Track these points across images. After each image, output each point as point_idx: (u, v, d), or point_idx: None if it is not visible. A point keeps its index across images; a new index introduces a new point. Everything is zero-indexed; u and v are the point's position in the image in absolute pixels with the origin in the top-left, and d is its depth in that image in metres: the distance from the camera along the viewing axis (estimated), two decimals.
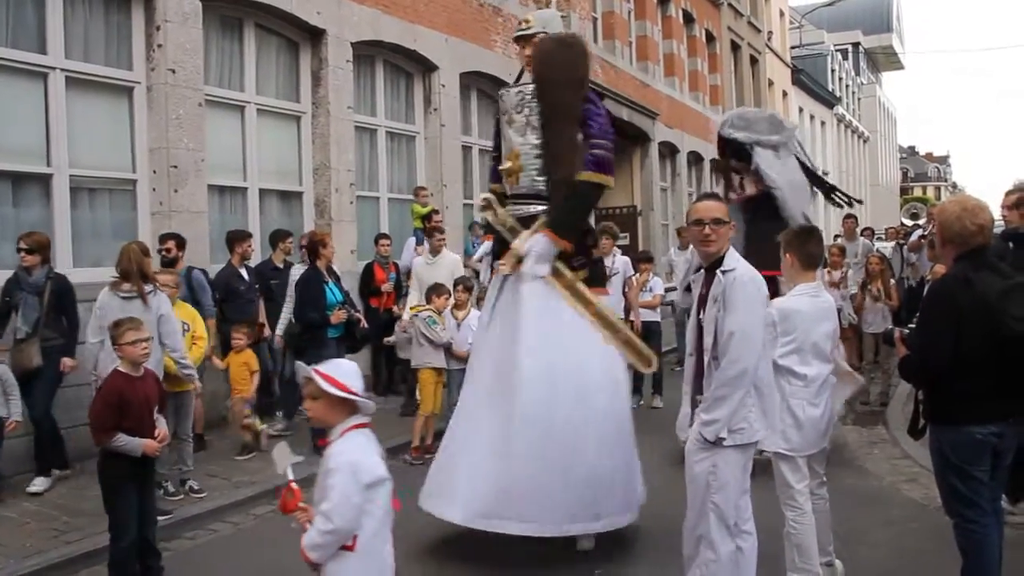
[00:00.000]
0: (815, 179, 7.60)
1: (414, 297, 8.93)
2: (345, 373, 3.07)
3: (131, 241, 6.63)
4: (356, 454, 2.99)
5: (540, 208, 5.60)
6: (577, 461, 5.06)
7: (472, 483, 5.12)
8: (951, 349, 3.75)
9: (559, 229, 5.45)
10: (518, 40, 5.97)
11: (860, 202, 9.26)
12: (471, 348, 6.44)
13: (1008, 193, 6.09)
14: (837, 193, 7.75)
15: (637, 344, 5.63)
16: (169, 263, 7.59)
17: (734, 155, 7.80)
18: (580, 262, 5.61)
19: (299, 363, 3.32)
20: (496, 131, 6.17)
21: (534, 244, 5.41)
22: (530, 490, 5.00)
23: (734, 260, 3.92)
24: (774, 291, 4.96)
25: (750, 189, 7.60)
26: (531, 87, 5.68)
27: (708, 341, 3.88)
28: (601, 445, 5.17)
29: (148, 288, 6.11)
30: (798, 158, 7.67)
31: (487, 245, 5.99)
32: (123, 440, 4.57)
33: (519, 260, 5.44)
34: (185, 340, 6.77)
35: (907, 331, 4.31)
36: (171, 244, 7.74)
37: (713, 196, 4.43)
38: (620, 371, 5.53)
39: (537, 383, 5.17)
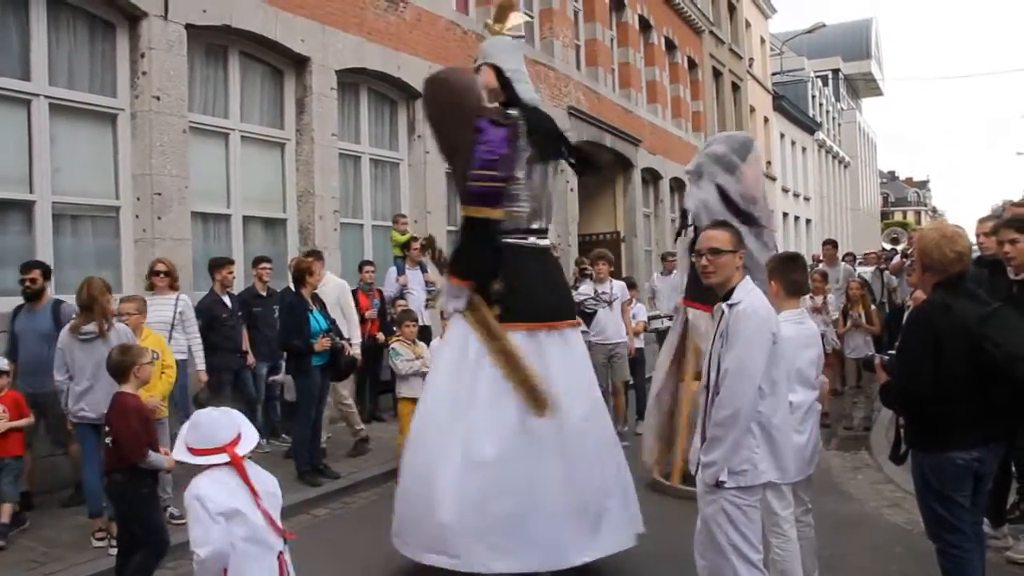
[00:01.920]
0: (733, 210, 7.38)
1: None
2: (199, 434, 3.48)
3: (92, 276, 6.47)
4: (202, 488, 3.33)
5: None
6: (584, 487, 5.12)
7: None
8: (931, 375, 3.78)
9: (454, 268, 5.56)
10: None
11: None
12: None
13: (983, 220, 6.15)
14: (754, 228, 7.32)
15: (535, 387, 5.26)
16: (33, 295, 6.82)
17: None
18: (495, 297, 5.41)
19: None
20: None
21: (444, 283, 5.61)
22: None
23: (743, 292, 3.82)
24: None
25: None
26: None
27: (712, 377, 3.81)
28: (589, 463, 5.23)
29: (106, 325, 6.09)
30: (720, 185, 7.38)
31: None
32: (153, 456, 4.73)
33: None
34: (154, 369, 6.74)
35: (887, 357, 4.33)
36: (36, 274, 6.84)
37: (719, 225, 4.29)
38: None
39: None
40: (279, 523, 3.45)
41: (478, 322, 5.38)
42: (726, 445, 3.67)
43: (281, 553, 3.42)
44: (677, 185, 23.67)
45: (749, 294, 3.83)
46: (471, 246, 5.55)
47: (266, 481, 3.54)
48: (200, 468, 3.43)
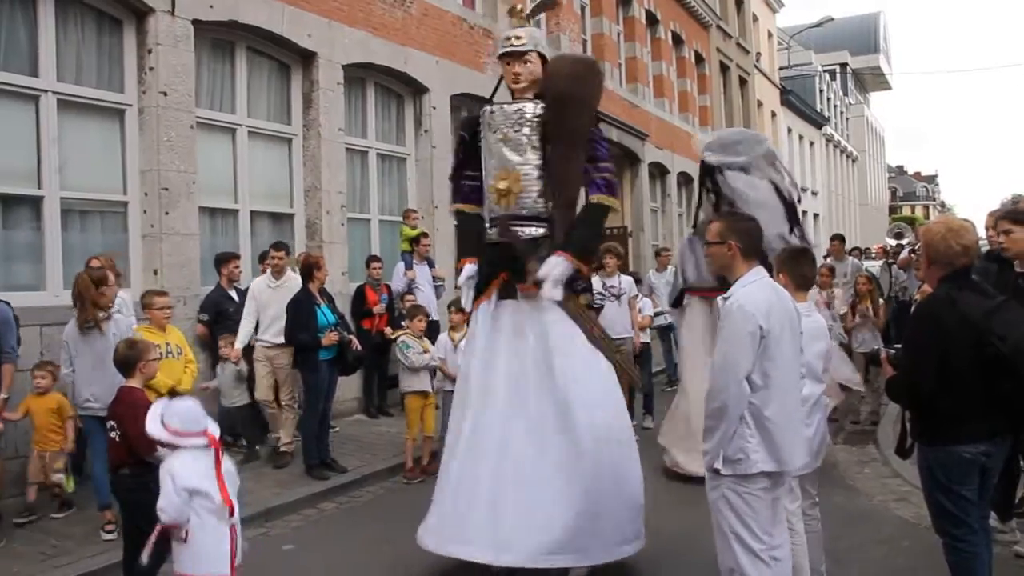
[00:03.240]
0: (786, 206, 7.49)
1: (249, 323, 8.25)
2: (175, 415, 4.07)
3: (83, 270, 6.56)
4: (175, 467, 3.97)
5: (540, 231, 5.45)
6: (618, 487, 5.11)
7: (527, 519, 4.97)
8: (936, 369, 3.78)
9: (580, 253, 5.37)
10: (505, 56, 5.68)
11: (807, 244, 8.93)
12: (461, 376, 6.10)
13: (992, 213, 6.13)
14: (795, 229, 7.47)
15: (629, 368, 5.62)
16: None
17: (709, 178, 7.83)
18: (582, 286, 5.54)
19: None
20: (466, 147, 5.91)
21: (554, 267, 5.21)
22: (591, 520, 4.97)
23: (740, 286, 3.85)
24: None
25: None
26: (532, 105, 5.49)
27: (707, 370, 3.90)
28: (618, 469, 5.18)
29: (102, 315, 6.12)
30: (774, 181, 7.58)
31: (469, 268, 5.71)
32: (160, 450, 4.65)
33: (536, 284, 5.24)
34: (177, 365, 6.79)
35: (893, 351, 4.33)
36: None
37: (717, 219, 4.41)
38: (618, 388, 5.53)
39: (582, 412, 5.10)
40: (233, 499, 4.05)
41: (575, 310, 5.39)
42: (718, 435, 3.72)
43: (233, 526, 4.05)
44: (684, 180, 23.65)
45: (746, 288, 3.83)
46: (594, 230, 5.65)
47: (228, 462, 4.17)
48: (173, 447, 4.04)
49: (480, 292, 5.62)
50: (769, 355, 3.71)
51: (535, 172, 5.45)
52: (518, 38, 5.62)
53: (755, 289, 3.83)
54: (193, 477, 3.96)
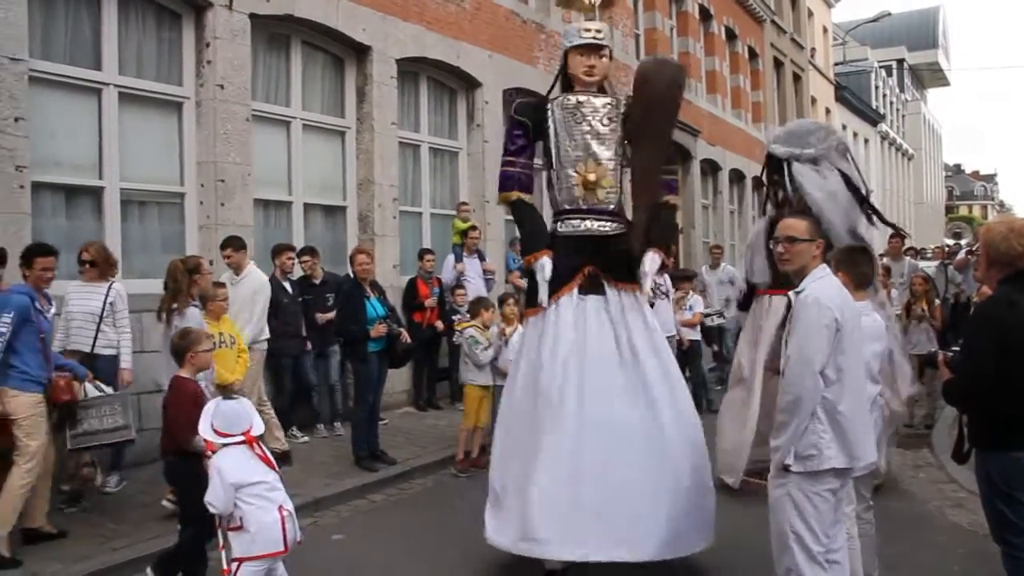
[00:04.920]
0: (859, 197, 7.30)
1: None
2: (219, 417, 4.36)
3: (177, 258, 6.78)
4: (222, 462, 4.28)
5: (615, 226, 5.51)
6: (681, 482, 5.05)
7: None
8: (995, 373, 3.71)
9: (665, 244, 5.63)
10: (583, 48, 5.54)
11: (900, 230, 8.87)
12: (513, 367, 5.98)
13: None
14: (875, 217, 7.25)
15: None
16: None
17: (775, 170, 7.66)
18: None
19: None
20: (527, 134, 5.74)
21: (651, 264, 5.42)
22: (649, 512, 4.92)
23: (812, 280, 3.84)
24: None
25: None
26: (621, 101, 5.55)
27: (781, 363, 3.87)
28: (686, 463, 5.14)
29: (175, 305, 6.34)
30: (845, 172, 7.35)
31: (547, 262, 5.47)
32: (198, 440, 4.72)
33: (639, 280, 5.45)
34: (231, 355, 6.90)
35: (951, 354, 4.26)
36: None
37: (798, 214, 4.42)
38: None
39: (668, 412, 5.18)
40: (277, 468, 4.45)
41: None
42: (791, 430, 3.70)
43: (281, 506, 4.30)
44: (735, 176, 23.44)
45: (817, 282, 3.84)
46: (673, 230, 5.85)
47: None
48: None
49: (558, 287, 5.41)
50: (842, 348, 3.71)
51: (615, 168, 5.53)
52: (599, 31, 5.59)
53: (827, 283, 3.85)
54: (239, 471, 4.26)
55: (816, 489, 3.73)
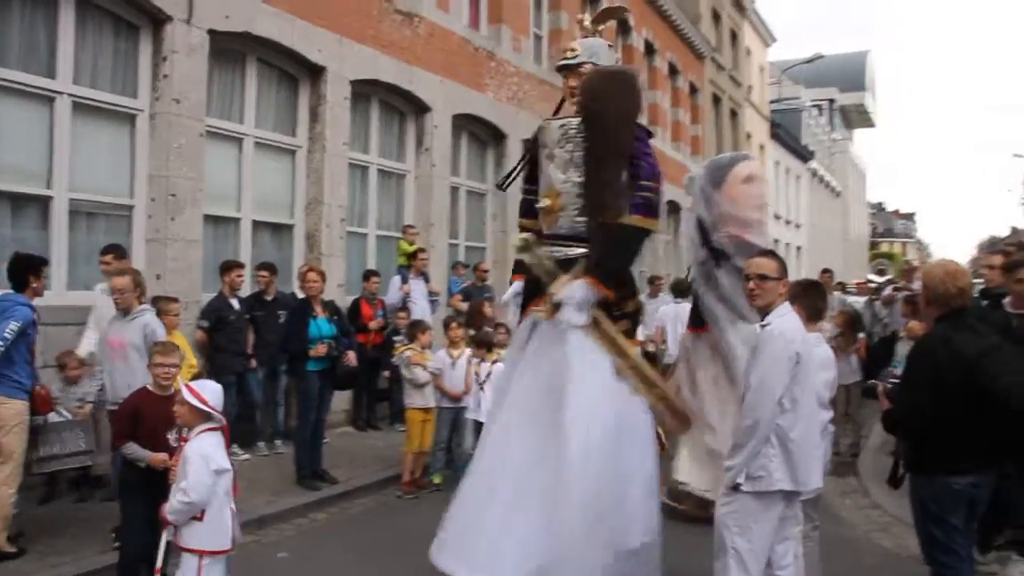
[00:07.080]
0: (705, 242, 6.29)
1: (94, 332, 6.92)
2: (208, 390, 4.35)
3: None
4: (207, 449, 4.24)
5: (580, 251, 5.27)
6: (619, 536, 4.81)
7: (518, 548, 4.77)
8: (930, 404, 3.99)
9: (602, 276, 5.08)
10: (561, 70, 5.57)
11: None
12: (495, 391, 6.05)
13: (991, 252, 6.31)
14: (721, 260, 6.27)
15: (673, 403, 5.32)
16: None
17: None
18: (620, 312, 5.27)
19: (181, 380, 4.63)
20: (530, 164, 5.82)
21: (574, 291, 5.01)
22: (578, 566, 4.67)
23: (776, 316, 4.10)
24: None
25: None
26: (575, 121, 5.33)
27: (740, 391, 4.14)
28: (635, 512, 4.90)
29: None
30: (699, 217, 6.41)
31: (517, 286, 5.61)
32: (132, 448, 4.88)
33: (556, 307, 5.05)
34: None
35: (890, 385, 4.53)
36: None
37: (767, 254, 4.42)
38: (648, 427, 5.17)
39: (584, 455, 4.79)
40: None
41: (604, 339, 5.10)
42: (746, 452, 3.96)
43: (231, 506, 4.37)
44: (672, 208, 23.77)
45: (781, 318, 4.11)
46: (623, 253, 5.30)
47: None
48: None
49: (523, 310, 5.54)
50: (798, 380, 3.98)
51: (575, 190, 5.30)
52: (572, 50, 5.53)
53: (790, 320, 4.13)
54: (220, 458, 4.28)
55: (762, 509, 3.97)
